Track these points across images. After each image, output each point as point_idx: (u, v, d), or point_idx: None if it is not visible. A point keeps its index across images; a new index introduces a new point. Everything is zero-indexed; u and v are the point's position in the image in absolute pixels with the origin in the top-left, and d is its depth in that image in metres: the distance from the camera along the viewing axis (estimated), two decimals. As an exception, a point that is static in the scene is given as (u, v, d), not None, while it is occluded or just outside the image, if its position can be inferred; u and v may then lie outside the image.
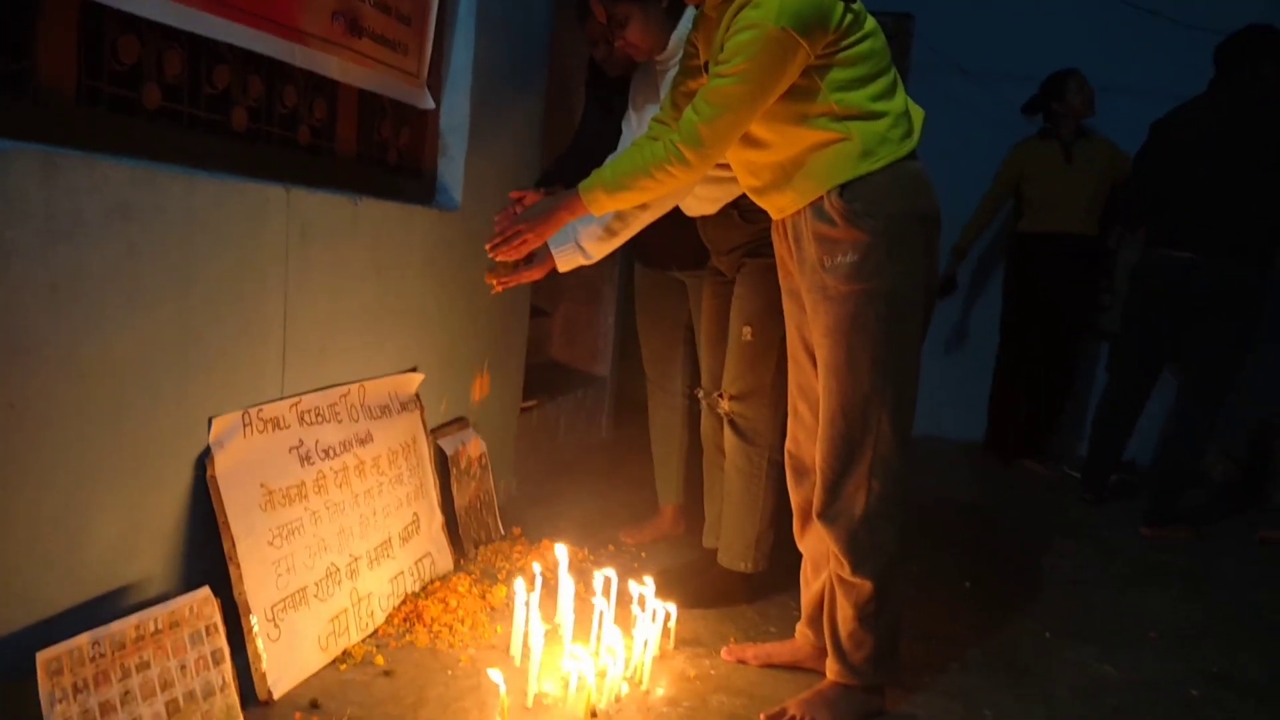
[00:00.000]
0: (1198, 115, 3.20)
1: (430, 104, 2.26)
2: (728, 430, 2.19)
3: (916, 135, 1.66)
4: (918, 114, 1.69)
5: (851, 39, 1.56)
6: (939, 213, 1.68)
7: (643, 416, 2.77)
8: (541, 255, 2.02)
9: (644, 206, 1.96)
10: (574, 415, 3.57)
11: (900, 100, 1.65)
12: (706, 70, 1.70)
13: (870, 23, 1.61)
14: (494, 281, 2.01)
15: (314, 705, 1.57)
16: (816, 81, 1.57)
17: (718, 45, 1.59)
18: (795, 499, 1.86)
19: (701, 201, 2.15)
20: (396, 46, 2.09)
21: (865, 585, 1.67)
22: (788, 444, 1.87)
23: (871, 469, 1.64)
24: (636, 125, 2.23)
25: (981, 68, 4.40)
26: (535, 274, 2.04)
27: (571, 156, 2.51)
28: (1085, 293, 4.21)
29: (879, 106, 1.61)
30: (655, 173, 1.65)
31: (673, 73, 2.02)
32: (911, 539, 1.75)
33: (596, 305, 3.97)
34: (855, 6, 1.57)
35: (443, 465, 2.31)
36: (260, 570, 1.59)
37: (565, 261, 2.05)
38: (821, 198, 1.61)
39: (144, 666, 1.34)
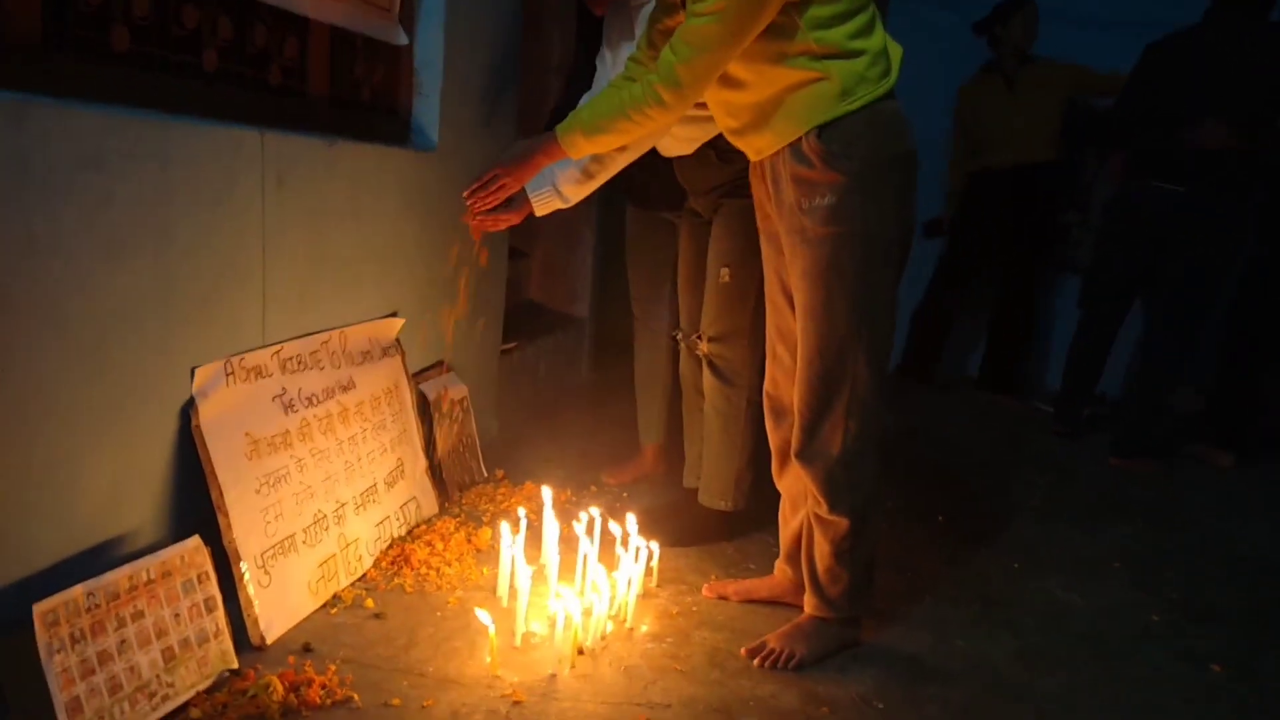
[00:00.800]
0: (1196, 46, 3.19)
1: (404, 39, 2.20)
2: (706, 371, 2.22)
3: (895, 74, 1.65)
4: (896, 51, 1.68)
5: None
6: (915, 153, 1.68)
7: (622, 357, 2.78)
8: (519, 199, 2.01)
9: (622, 148, 1.95)
10: (554, 357, 3.58)
11: (879, 38, 1.64)
12: (684, 7, 1.67)
13: None
14: (472, 224, 2.00)
15: (307, 649, 1.60)
16: (795, 19, 1.55)
17: None
18: (773, 439, 1.89)
19: (678, 141, 2.13)
20: (367, -18, 2.03)
21: (842, 523, 1.71)
22: (766, 385, 1.90)
23: (848, 409, 1.68)
24: (611, 63, 2.19)
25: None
26: (513, 218, 2.03)
27: (567, 106, 2.47)
28: (1045, 222, 4.20)
29: (857, 44, 1.59)
30: (633, 114, 1.64)
31: (648, 9, 1.99)
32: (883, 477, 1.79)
33: (575, 246, 3.95)
34: None
35: (425, 409, 2.32)
36: (248, 518, 1.61)
37: (543, 205, 2.04)
38: (800, 139, 1.61)
39: (139, 616, 1.36)
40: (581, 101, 2.16)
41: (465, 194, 1.91)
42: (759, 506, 2.26)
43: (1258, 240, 3.48)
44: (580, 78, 2.46)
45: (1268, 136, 3.10)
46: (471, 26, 2.46)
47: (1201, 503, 3.04)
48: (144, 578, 1.39)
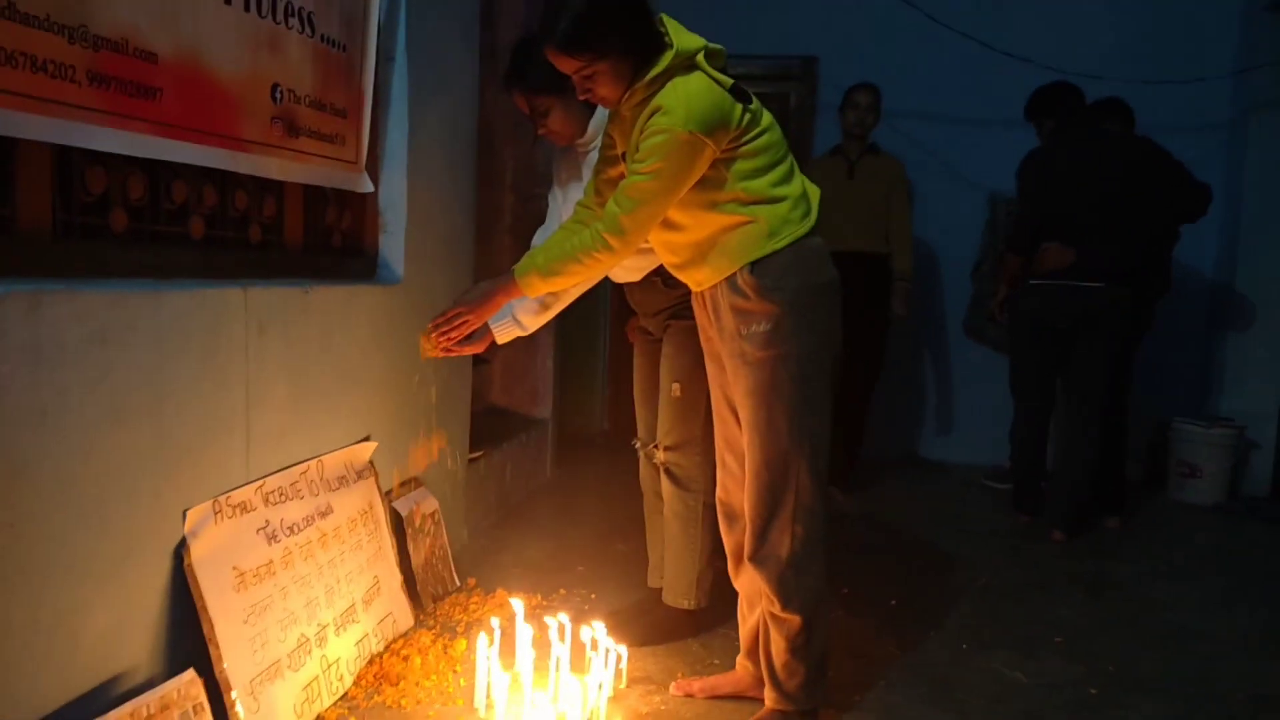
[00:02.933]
0: (1065, 157, 3.56)
1: (369, 187, 2.40)
2: (664, 478, 2.37)
3: (814, 214, 1.87)
4: (814, 193, 1.91)
5: (751, 134, 1.78)
6: (839, 281, 1.91)
7: (583, 454, 2.90)
8: (480, 330, 2.17)
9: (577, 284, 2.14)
10: (519, 459, 3.72)
11: (798, 184, 1.87)
12: (624, 159, 1.89)
13: (767, 118, 1.83)
14: (434, 355, 2.14)
15: (295, 771, 1.69)
16: (723, 172, 1.77)
17: (634, 144, 1.78)
18: (727, 543, 2.04)
19: (627, 271, 2.33)
20: (334, 139, 2.23)
21: (794, 620, 1.86)
22: (718, 492, 2.06)
23: (795, 515, 1.84)
24: (562, 200, 2.40)
25: (886, 106, 4.69)
26: (475, 348, 2.19)
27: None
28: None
29: (779, 191, 1.82)
30: (584, 259, 1.83)
31: (593, 154, 2.20)
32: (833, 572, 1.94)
33: (535, 350, 4.12)
34: (752, 107, 1.79)
35: (398, 526, 2.44)
36: (237, 648, 1.71)
37: (503, 334, 2.21)
38: (734, 273, 1.82)
39: (139, 751, 1.46)
40: (536, 239, 2.36)
41: (430, 327, 2.06)
42: (721, 603, 2.39)
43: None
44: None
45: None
46: (431, 165, 2.67)
47: (1134, 574, 3.22)
48: (144, 713, 1.48)
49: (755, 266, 1.80)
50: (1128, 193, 3.47)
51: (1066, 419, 3.66)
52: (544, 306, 2.18)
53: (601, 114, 2.21)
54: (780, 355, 1.80)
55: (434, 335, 2.05)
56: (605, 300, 4.78)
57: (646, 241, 2.06)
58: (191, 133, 1.73)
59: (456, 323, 2.03)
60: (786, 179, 1.84)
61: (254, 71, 1.90)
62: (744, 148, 1.77)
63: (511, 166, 4.05)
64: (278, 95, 1.98)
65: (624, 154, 1.89)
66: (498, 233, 3.96)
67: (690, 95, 1.70)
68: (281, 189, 2.10)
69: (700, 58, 1.73)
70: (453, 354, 2.18)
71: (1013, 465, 3.96)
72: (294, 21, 2.01)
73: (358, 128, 2.32)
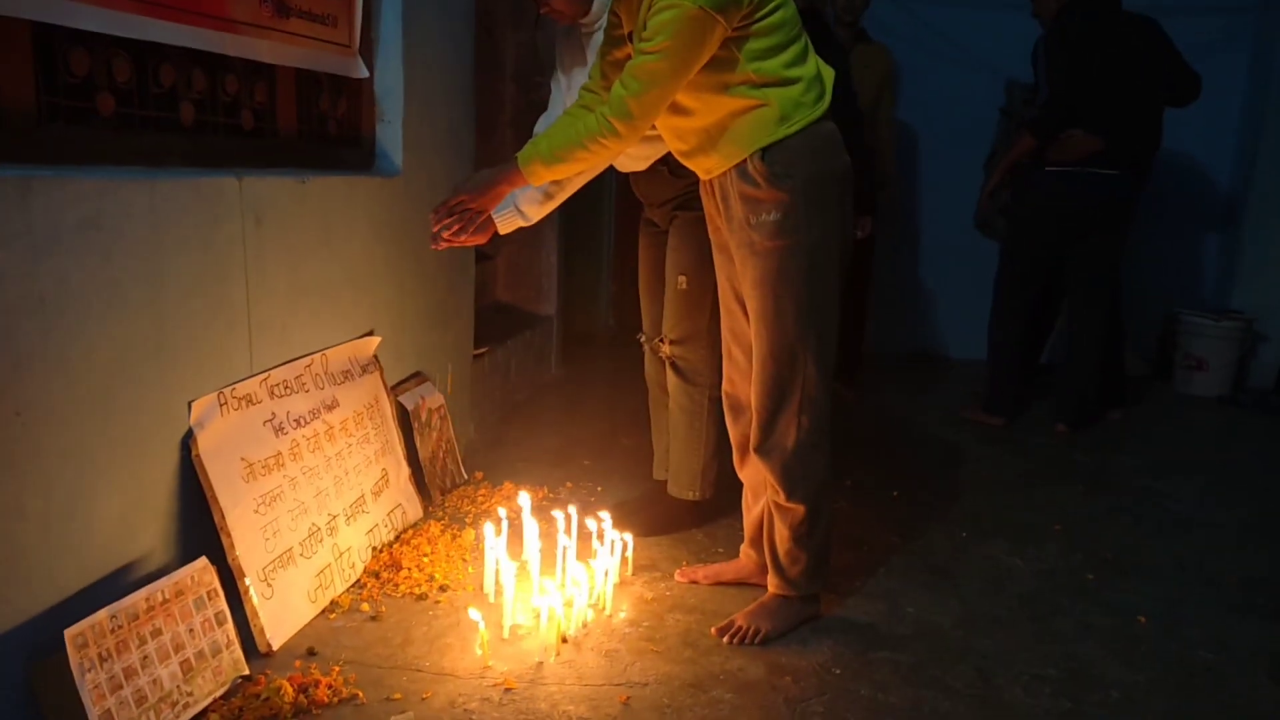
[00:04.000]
0: (1091, 38, 3.39)
1: (364, 72, 2.32)
2: (670, 372, 2.36)
3: (828, 96, 1.80)
4: (828, 75, 1.83)
5: (763, 11, 1.69)
6: (850, 168, 1.85)
7: (589, 352, 2.90)
8: (483, 221, 2.12)
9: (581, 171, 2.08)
10: (524, 356, 3.72)
11: (812, 65, 1.79)
12: (630, 40, 1.81)
13: None
14: (439, 247, 2.11)
15: (311, 653, 1.74)
16: (735, 52, 1.69)
17: (641, 21, 1.70)
18: (733, 434, 2.05)
19: (632, 159, 2.27)
20: (325, 20, 2.14)
21: (798, 509, 1.88)
22: (724, 385, 2.05)
23: (800, 406, 1.84)
24: (566, 87, 2.31)
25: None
26: (479, 238, 2.15)
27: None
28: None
29: (793, 73, 1.74)
30: (589, 144, 1.77)
31: (598, 35, 2.11)
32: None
33: (539, 246, 4.07)
34: None
35: (405, 420, 2.45)
36: (249, 537, 1.74)
37: (506, 224, 2.16)
38: (744, 160, 1.76)
39: (157, 633, 1.49)
40: (538, 127, 2.29)
41: (431, 218, 2.01)
42: (725, 494, 2.42)
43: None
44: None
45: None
46: (428, 52, 2.57)
47: (1135, 465, 3.25)
48: (160, 598, 1.52)
49: (766, 153, 1.74)
50: (1146, 78, 3.36)
51: (1076, 313, 3.62)
52: (547, 196, 2.13)
53: None
54: (789, 245, 1.76)
55: (435, 226, 2.01)
56: (610, 194, 4.70)
57: (653, 127, 1.99)
58: (176, 11, 1.65)
59: (458, 212, 1.98)
60: (800, 59, 1.76)
61: (239, -54, 1.80)
62: (756, 25, 1.69)
63: (512, 54, 3.92)
64: (265, -28, 1.89)
65: (630, 33, 1.81)
66: (499, 124, 3.86)
67: None
68: (273, 74, 2.03)
69: None
70: (455, 245, 2.14)
71: (991, 365, 3.77)
72: (279, -108, 1.90)
73: (350, 8, 2.22)
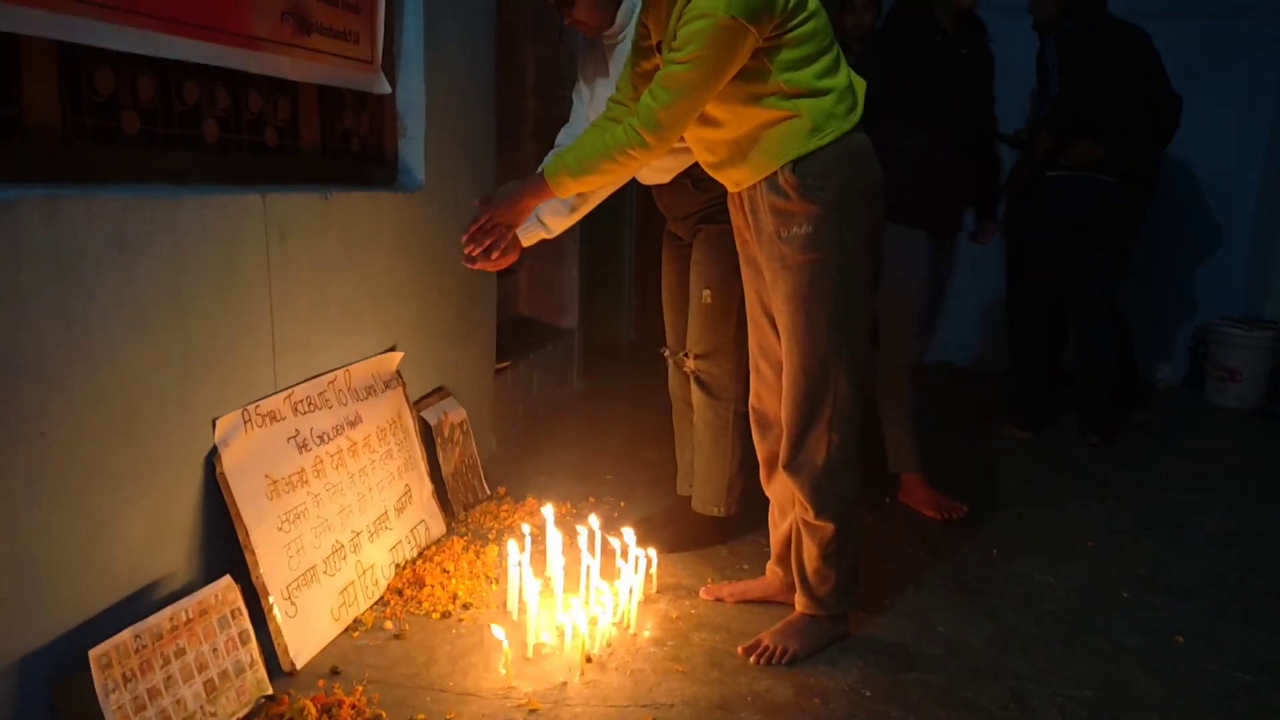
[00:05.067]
0: (1092, 46, 3.39)
1: (386, 88, 2.32)
2: (694, 386, 2.34)
3: (860, 108, 1.78)
4: (860, 86, 1.81)
5: (796, 20, 1.66)
6: (883, 181, 1.82)
7: (611, 365, 2.89)
8: (510, 240, 2.08)
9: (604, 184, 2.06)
10: (546, 370, 3.71)
11: (844, 76, 1.77)
12: (659, 50, 1.79)
13: (813, 2, 1.71)
14: (472, 268, 2.08)
15: (334, 672, 1.73)
16: (766, 63, 1.67)
17: (671, 31, 1.68)
18: (760, 451, 2.02)
19: (655, 172, 2.25)
20: (347, 36, 2.14)
21: (828, 528, 1.84)
22: (751, 400, 2.02)
23: (831, 423, 1.80)
24: (589, 98, 2.31)
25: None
26: (509, 258, 2.08)
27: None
28: None
29: (825, 84, 1.72)
30: (618, 156, 1.74)
31: (621, 47, 2.10)
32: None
33: (560, 259, 4.07)
34: None
35: (428, 435, 2.44)
36: (273, 554, 1.73)
37: (529, 237, 2.15)
38: (775, 172, 1.73)
39: (181, 653, 1.48)
40: (560, 139, 2.28)
41: (463, 240, 1.98)
42: (750, 510, 2.39)
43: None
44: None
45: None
46: (449, 66, 2.57)
47: (1167, 479, 3.19)
48: (183, 617, 1.51)
49: (798, 165, 1.71)
50: (1142, 87, 3.39)
51: (1082, 322, 3.58)
52: (571, 209, 2.12)
53: (630, 3, 2.10)
54: (821, 259, 1.73)
55: (467, 248, 1.98)
56: (631, 207, 4.70)
57: (681, 139, 1.98)
58: (199, 30, 1.66)
59: (488, 228, 1.96)
60: (832, 70, 1.74)
61: (262, -36, 1.81)
62: (788, 35, 1.66)
63: (533, 67, 3.93)
64: (288, -11, 1.90)
65: (659, 44, 1.79)
66: (521, 137, 3.87)
67: None
68: (296, 90, 2.03)
69: None
70: (489, 268, 2.10)
71: (1012, 377, 3.74)
72: (302, -90, 1.91)
73: (372, 24, 2.23)
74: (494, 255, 1.96)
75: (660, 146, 1.72)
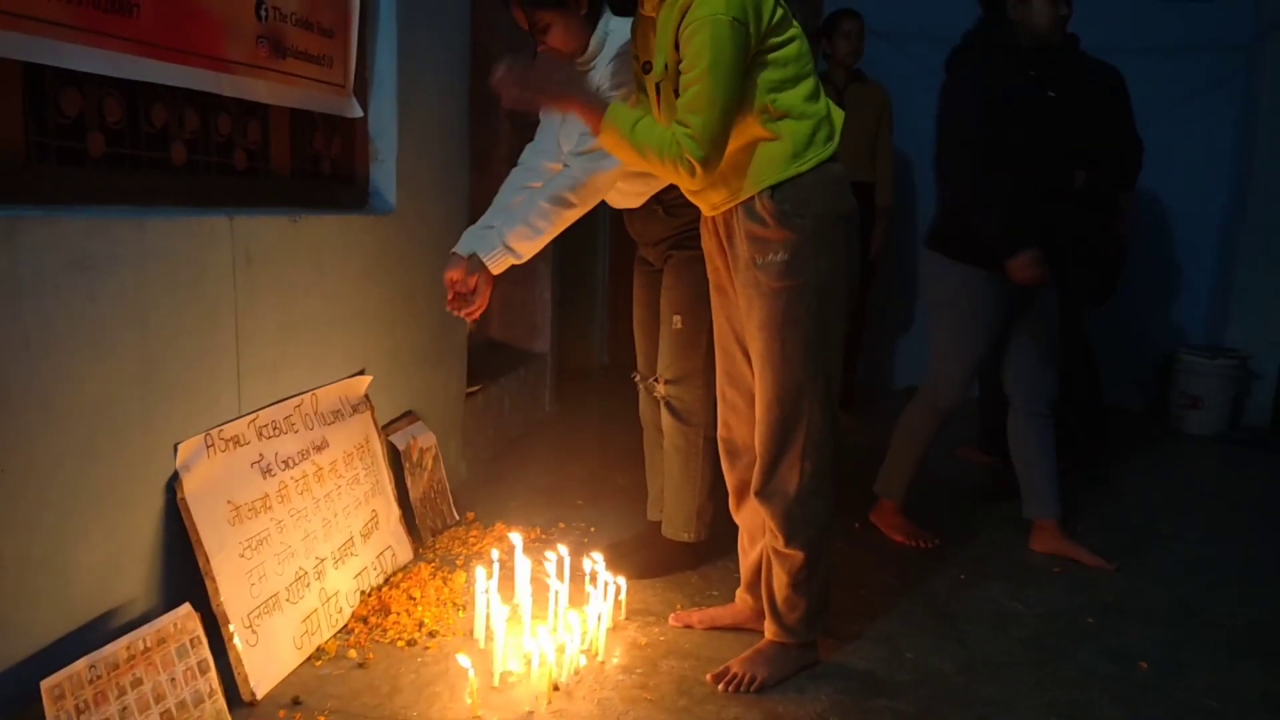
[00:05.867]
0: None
1: (358, 112, 2.32)
2: (664, 412, 2.34)
3: (838, 138, 1.79)
4: (838, 116, 1.82)
5: (781, 38, 1.68)
6: (858, 211, 1.84)
7: (583, 388, 2.88)
8: (482, 272, 2.07)
9: (572, 206, 2.07)
10: (517, 394, 3.69)
11: (823, 104, 1.78)
12: (646, 70, 1.79)
13: (796, 27, 1.73)
14: (459, 315, 2.11)
15: (295, 702, 1.69)
16: (753, 79, 1.67)
17: (666, 53, 1.68)
18: (730, 479, 2.02)
19: (626, 196, 2.26)
20: (321, 60, 2.14)
21: (798, 556, 1.84)
22: (720, 429, 2.02)
23: (804, 451, 1.80)
24: (559, 121, 2.31)
25: (889, 29, 4.55)
26: (483, 300, 2.09)
27: None
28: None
29: (807, 108, 1.73)
30: (664, 159, 1.66)
31: (593, 74, 2.11)
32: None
33: (533, 282, 4.06)
34: (783, 5, 1.69)
35: (396, 460, 2.42)
36: (234, 582, 1.70)
37: (497, 265, 2.13)
38: (753, 197, 1.73)
39: (138, 683, 1.45)
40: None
41: (448, 307, 2.08)
42: (720, 536, 2.38)
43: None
44: None
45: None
46: (422, 90, 2.58)
47: (1133, 505, 3.22)
48: (141, 646, 1.47)
49: (776, 190, 1.71)
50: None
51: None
52: (535, 230, 2.10)
53: (602, 29, 2.12)
54: (796, 286, 1.73)
55: (449, 308, 2.07)
56: (604, 231, 4.71)
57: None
58: (172, 52, 1.65)
59: (465, 294, 2.04)
60: (814, 96, 1.75)
61: (235, -13, 1.81)
62: (774, 53, 1.68)
63: (507, 93, 3.93)
64: (263, 12, 1.90)
65: (647, 63, 1.79)
66: (494, 161, 3.86)
67: None
68: (267, 113, 2.02)
69: None
70: (471, 314, 2.10)
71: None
72: (275, -66, 1.91)
73: (345, 49, 2.23)
74: (474, 312, 2.06)
75: (707, 171, 1.66)
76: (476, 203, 2.96)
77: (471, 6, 2.92)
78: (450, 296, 2.07)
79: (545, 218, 2.08)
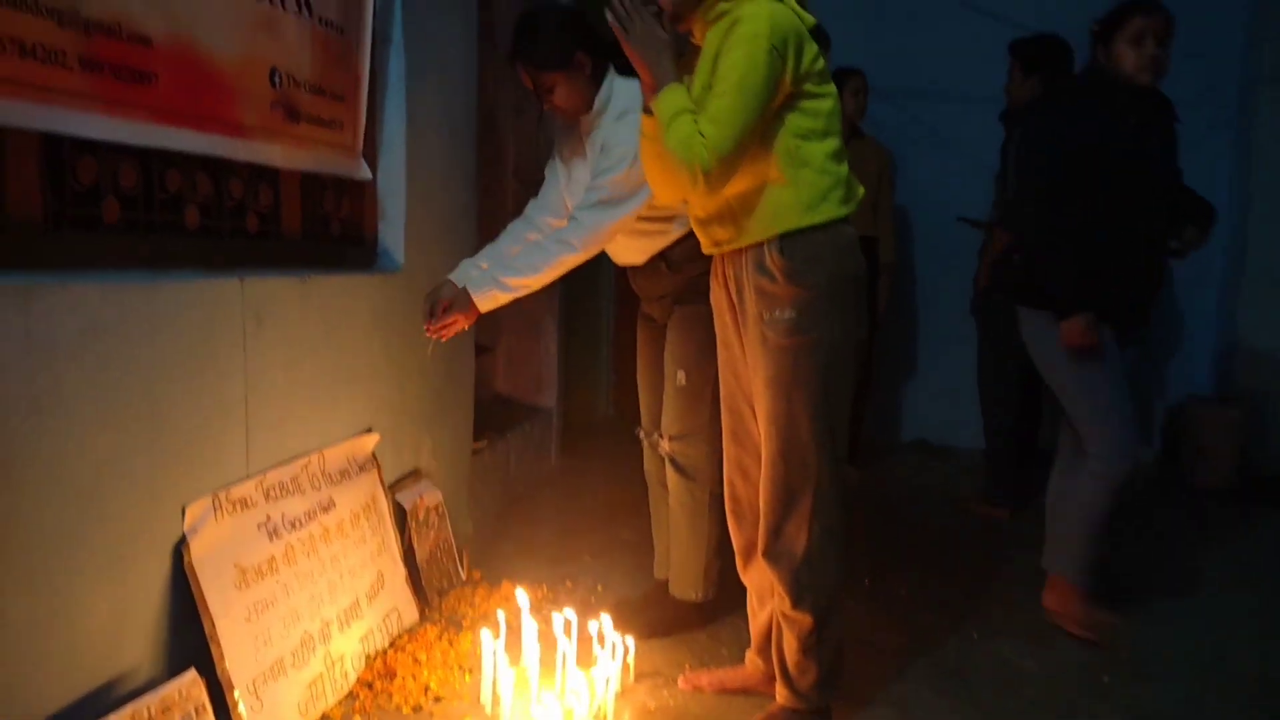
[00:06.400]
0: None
1: (368, 174, 2.35)
2: (669, 469, 2.33)
3: (854, 204, 1.79)
4: (859, 189, 1.83)
5: (819, 89, 1.71)
6: (865, 272, 1.84)
7: (590, 443, 2.87)
8: (464, 304, 2.13)
9: (572, 250, 2.12)
10: (523, 449, 3.68)
11: (845, 169, 1.79)
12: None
13: (833, 88, 1.76)
14: (431, 334, 2.17)
15: (300, 769, 1.67)
16: (782, 118, 1.69)
17: (710, 61, 1.69)
18: (736, 540, 2.00)
19: (630, 252, 2.29)
20: (332, 124, 2.18)
21: (806, 619, 1.81)
22: (725, 489, 2.01)
23: (813, 511, 1.78)
24: (565, 179, 2.34)
25: (884, 85, 4.63)
26: (461, 322, 2.16)
27: None
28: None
29: (829, 165, 1.74)
30: (678, 152, 1.64)
31: (597, 132, 2.15)
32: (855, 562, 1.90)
33: (538, 337, 4.08)
34: (824, 60, 1.72)
35: (402, 519, 2.41)
36: (239, 647, 1.68)
37: (486, 302, 2.14)
38: (762, 246, 1.74)
39: (140, 753, 1.43)
40: (528, 211, 2.39)
41: (426, 328, 2.15)
42: (729, 593, 2.36)
43: None
44: None
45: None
46: (431, 152, 2.62)
47: (1145, 557, 3.19)
48: (145, 715, 1.45)
49: (785, 243, 1.72)
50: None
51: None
52: (533, 270, 2.12)
53: (607, 88, 2.16)
54: (805, 343, 1.74)
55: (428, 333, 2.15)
56: (609, 285, 4.74)
57: (650, 219, 2.04)
58: (189, 119, 1.68)
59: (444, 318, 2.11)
60: (837, 157, 1.77)
61: (252, 55, 1.85)
62: (807, 101, 1.70)
63: (513, 150, 4.00)
64: (276, 80, 1.93)
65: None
66: (500, 218, 3.89)
67: (773, 11, 1.64)
68: (278, 177, 2.05)
69: None
70: (445, 334, 2.17)
71: (988, 457, 3.76)
72: (291, 3, 1.96)
73: (355, 112, 2.27)
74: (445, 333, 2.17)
75: (711, 183, 1.64)
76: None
77: (478, 66, 2.98)
78: (429, 317, 2.17)
79: (546, 257, 2.12)
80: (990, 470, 3.73)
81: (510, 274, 2.13)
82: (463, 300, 2.13)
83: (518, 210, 3.91)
